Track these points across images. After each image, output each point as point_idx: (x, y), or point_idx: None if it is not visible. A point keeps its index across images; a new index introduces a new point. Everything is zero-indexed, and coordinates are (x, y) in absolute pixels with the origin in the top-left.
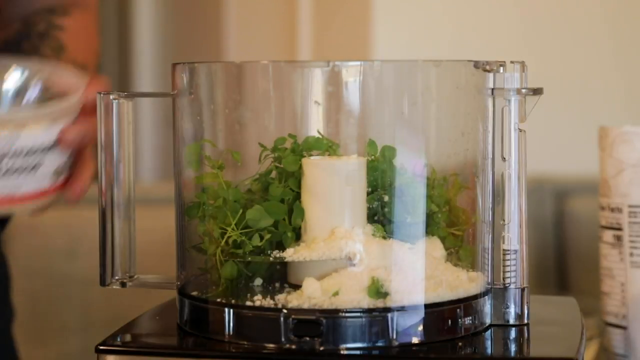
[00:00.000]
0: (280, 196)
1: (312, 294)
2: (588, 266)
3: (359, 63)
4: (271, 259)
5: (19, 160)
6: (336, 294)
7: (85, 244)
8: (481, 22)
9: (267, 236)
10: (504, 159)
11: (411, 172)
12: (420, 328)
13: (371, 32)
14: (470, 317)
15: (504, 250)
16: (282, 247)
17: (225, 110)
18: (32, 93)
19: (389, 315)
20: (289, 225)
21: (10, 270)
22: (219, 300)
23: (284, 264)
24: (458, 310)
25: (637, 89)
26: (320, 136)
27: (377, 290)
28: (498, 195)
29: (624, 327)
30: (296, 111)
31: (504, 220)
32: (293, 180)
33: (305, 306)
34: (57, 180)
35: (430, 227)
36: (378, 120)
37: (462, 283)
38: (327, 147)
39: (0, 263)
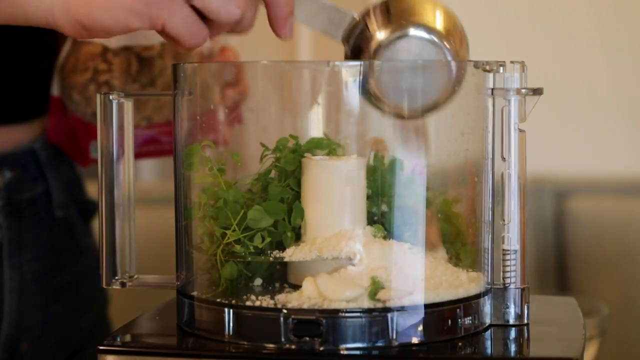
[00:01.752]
0: (280, 195)
1: (311, 294)
2: (588, 266)
3: (359, 63)
4: (271, 259)
5: None
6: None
7: None
8: (481, 22)
9: (268, 239)
10: (504, 159)
11: (411, 172)
12: (420, 328)
13: None
14: (470, 317)
15: (504, 250)
16: (282, 247)
17: (225, 110)
18: None
19: (389, 315)
20: (289, 225)
21: None
22: (219, 300)
23: (284, 264)
24: (458, 310)
25: (637, 89)
26: (323, 137)
27: (377, 290)
28: (498, 195)
29: None
30: (296, 111)
31: (504, 220)
32: (293, 179)
33: (305, 306)
34: None
35: (430, 227)
36: (378, 120)
37: (462, 283)
38: (331, 148)
39: (91, 253)
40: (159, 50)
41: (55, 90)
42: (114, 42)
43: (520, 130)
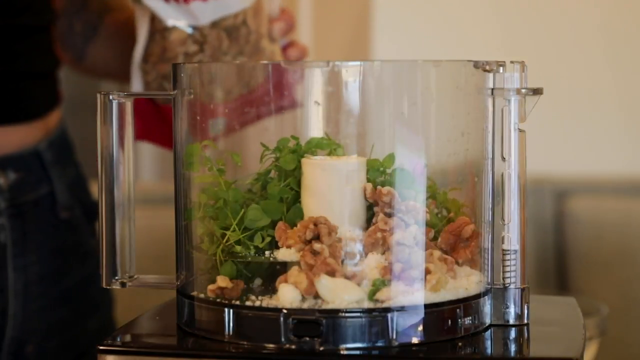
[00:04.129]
0: (279, 194)
1: (292, 299)
2: (588, 266)
3: (359, 63)
4: (271, 259)
5: None
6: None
7: None
8: (481, 22)
9: (268, 239)
10: (504, 159)
11: (411, 172)
12: (420, 328)
13: (371, 32)
14: (470, 317)
15: (504, 250)
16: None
17: (225, 110)
18: None
19: (389, 315)
20: (288, 225)
21: None
22: (219, 300)
23: (284, 264)
24: (458, 310)
25: (637, 89)
26: (324, 137)
27: (377, 290)
28: (498, 195)
29: None
30: (296, 111)
31: (504, 220)
32: (292, 179)
33: (305, 306)
34: None
35: (431, 227)
36: (378, 120)
37: (462, 283)
38: (331, 148)
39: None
40: (241, 18)
41: (136, 87)
42: (203, 20)
43: (520, 130)
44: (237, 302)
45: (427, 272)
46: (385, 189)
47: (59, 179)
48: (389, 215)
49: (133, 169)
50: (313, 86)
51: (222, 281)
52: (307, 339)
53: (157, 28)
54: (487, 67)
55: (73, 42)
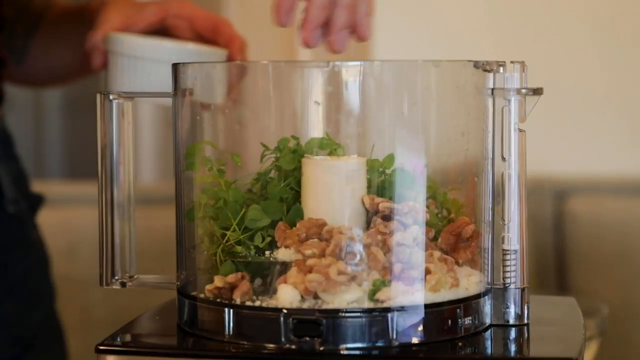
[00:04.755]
0: (279, 194)
1: (291, 299)
2: (588, 266)
3: (359, 63)
4: (271, 259)
5: None
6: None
7: (85, 244)
8: (481, 22)
9: (268, 239)
10: (504, 159)
11: (411, 172)
12: (420, 328)
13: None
14: (470, 317)
15: (504, 250)
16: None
17: (225, 110)
18: None
19: (389, 315)
20: (288, 225)
21: (48, 251)
22: (219, 300)
23: (284, 264)
24: (458, 310)
25: (637, 89)
26: (324, 137)
27: (377, 290)
28: (498, 195)
29: None
30: (296, 111)
31: (504, 220)
32: (293, 179)
33: (305, 306)
34: None
35: (431, 227)
36: (378, 120)
37: (462, 283)
38: (331, 148)
39: (39, 246)
40: None
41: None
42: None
43: (520, 130)
44: (237, 302)
45: (427, 272)
46: (382, 205)
47: (5, 173)
48: (389, 220)
49: (133, 169)
50: (313, 86)
51: (219, 281)
52: (307, 339)
53: None
54: (487, 67)
55: (13, 46)
